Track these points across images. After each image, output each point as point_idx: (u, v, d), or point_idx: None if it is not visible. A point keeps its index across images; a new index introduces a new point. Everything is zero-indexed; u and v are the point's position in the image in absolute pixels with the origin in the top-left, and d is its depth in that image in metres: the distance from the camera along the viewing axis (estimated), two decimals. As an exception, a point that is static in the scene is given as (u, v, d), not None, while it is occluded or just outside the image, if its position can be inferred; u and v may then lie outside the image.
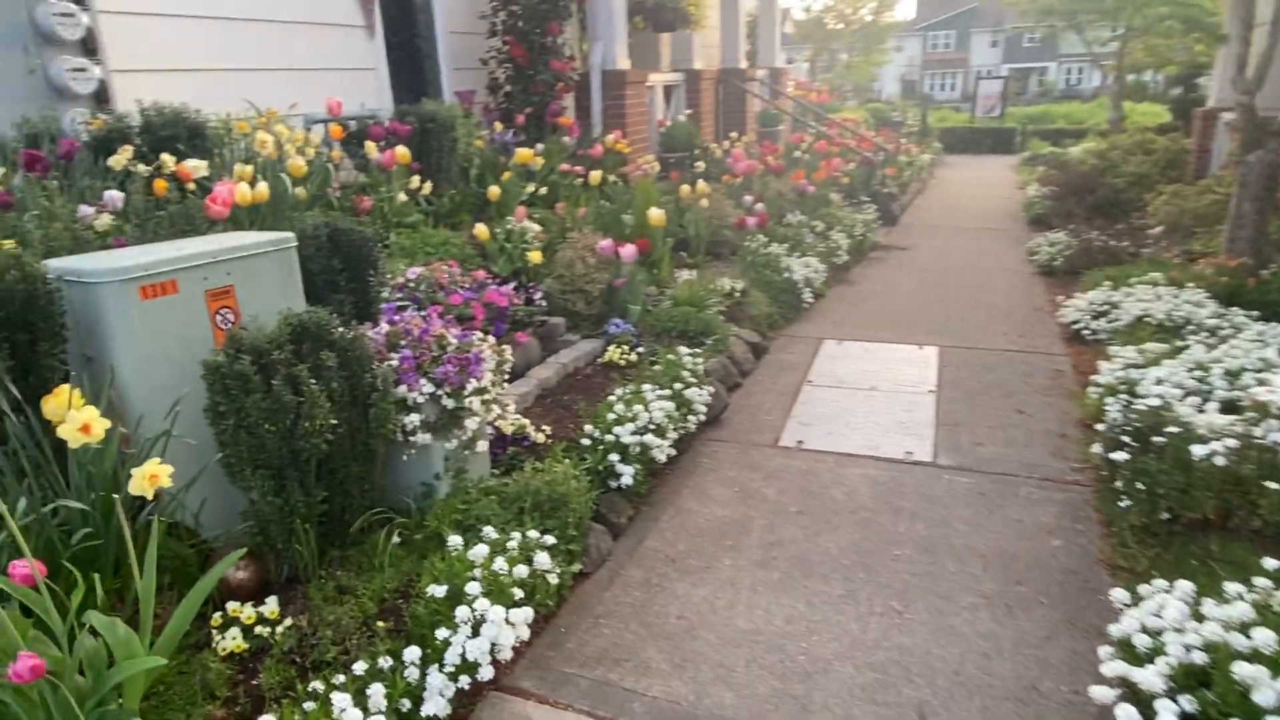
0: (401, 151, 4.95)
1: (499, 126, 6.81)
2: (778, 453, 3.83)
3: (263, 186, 3.86)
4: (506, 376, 3.10)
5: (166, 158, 3.79)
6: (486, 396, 2.80)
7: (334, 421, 2.35)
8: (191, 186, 4.01)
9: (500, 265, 5.17)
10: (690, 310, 4.76)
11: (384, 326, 2.79)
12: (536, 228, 5.68)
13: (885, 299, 6.44)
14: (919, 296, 6.47)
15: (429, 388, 2.66)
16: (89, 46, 4.37)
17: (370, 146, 4.88)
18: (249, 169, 4.10)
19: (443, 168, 5.92)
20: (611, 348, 4.38)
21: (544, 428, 3.50)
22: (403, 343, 2.73)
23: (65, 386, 2.10)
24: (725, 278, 5.63)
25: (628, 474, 3.21)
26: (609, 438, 3.29)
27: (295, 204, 4.39)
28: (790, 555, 2.98)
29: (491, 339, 2.94)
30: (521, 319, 4.13)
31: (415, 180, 5.21)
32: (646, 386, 3.66)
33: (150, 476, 1.86)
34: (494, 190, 5.43)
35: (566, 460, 3.15)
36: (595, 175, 6.26)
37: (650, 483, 3.43)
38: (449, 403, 2.70)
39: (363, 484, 2.60)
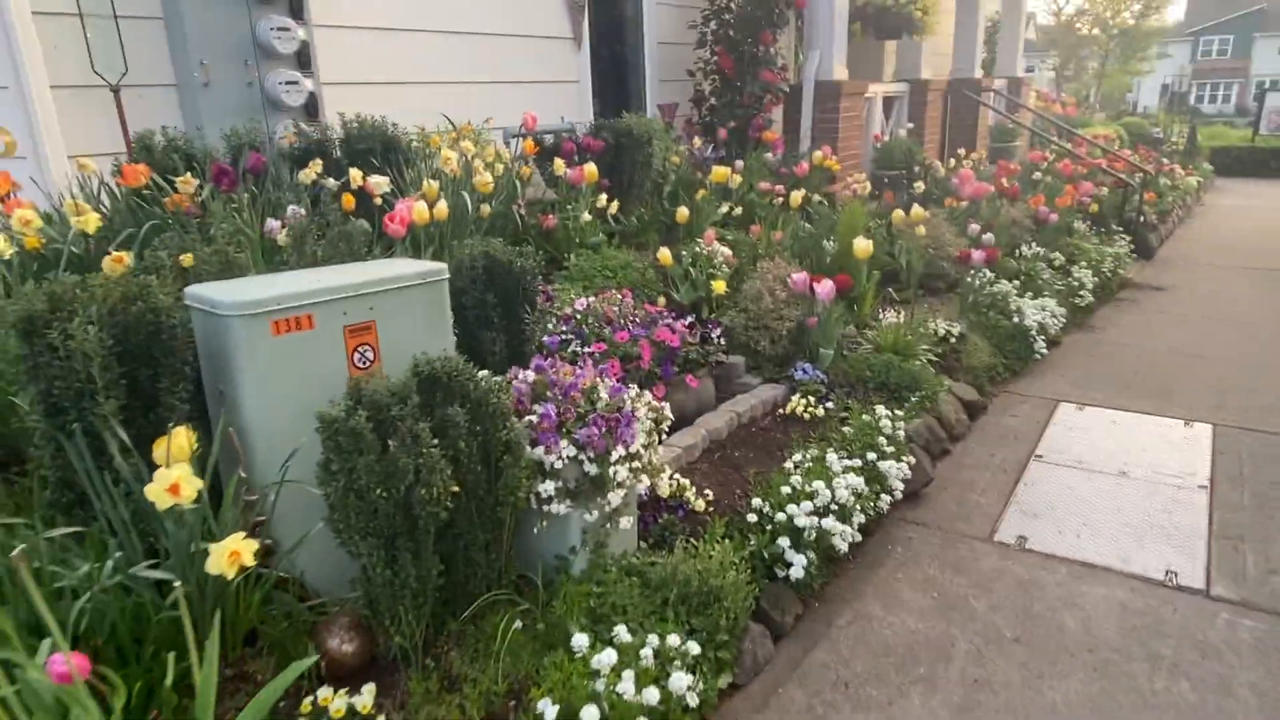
0: (589, 169, 4.71)
1: (697, 142, 6.44)
2: (992, 550, 3.14)
3: (441, 205, 3.72)
4: (664, 437, 2.69)
5: (354, 172, 3.75)
6: (636, 464, 2.40)
7: (455, 488, 2.04)
8: (379, 202, 3.97)
9: (683, 292, 4.79)
10: (893, 358, 4.12)
11: (531, 374, 2.47)
12: (726, 252, 5.24)
13: (1140, 354, 5.37)
14: (1184, 354, 5.34)
15: (570, 450, 2.30)
16: (302, 60, 4.48)
17: (558, 164, 4.67)
18: (434, 185, 4.00)
19: (634, 185, 5.64)
20: (795, 397, 3.84)
21: (706, 492, 3.05)
22: (548, 395, 2.40)
23: (182, 430, 1.94)
24: (939, 318, 4.89)
25: (799, 564, 2.68)
26: (780, 517, 2.78)
27: (477, 222, 4.25)
28: (1001, 705, 2.33)
29: (648, 395, 2.53)
30: (695, 359, 3.71)
31: (603, 199, 4.95)
32: (832, 455, 3.10)
33: (231, 554, 1.62)
34: (682, 212, 5.06)
35: (727, 540, 2.69)
36: (796, 196, 5.73)
37: (826, 573, 2.89)
38: (591, 469, 2.33)
39: (489, 553, 2.29)
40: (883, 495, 3.14)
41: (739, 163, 6.47)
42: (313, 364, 2.22)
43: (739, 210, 6.10)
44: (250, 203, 3.42)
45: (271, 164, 3.98)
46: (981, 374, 4.72)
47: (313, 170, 3.69)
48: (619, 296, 3.81)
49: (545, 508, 2.31)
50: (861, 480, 3.03)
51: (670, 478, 3.03)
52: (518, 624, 2.24)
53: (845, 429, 3.48)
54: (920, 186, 7.13)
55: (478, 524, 2.23)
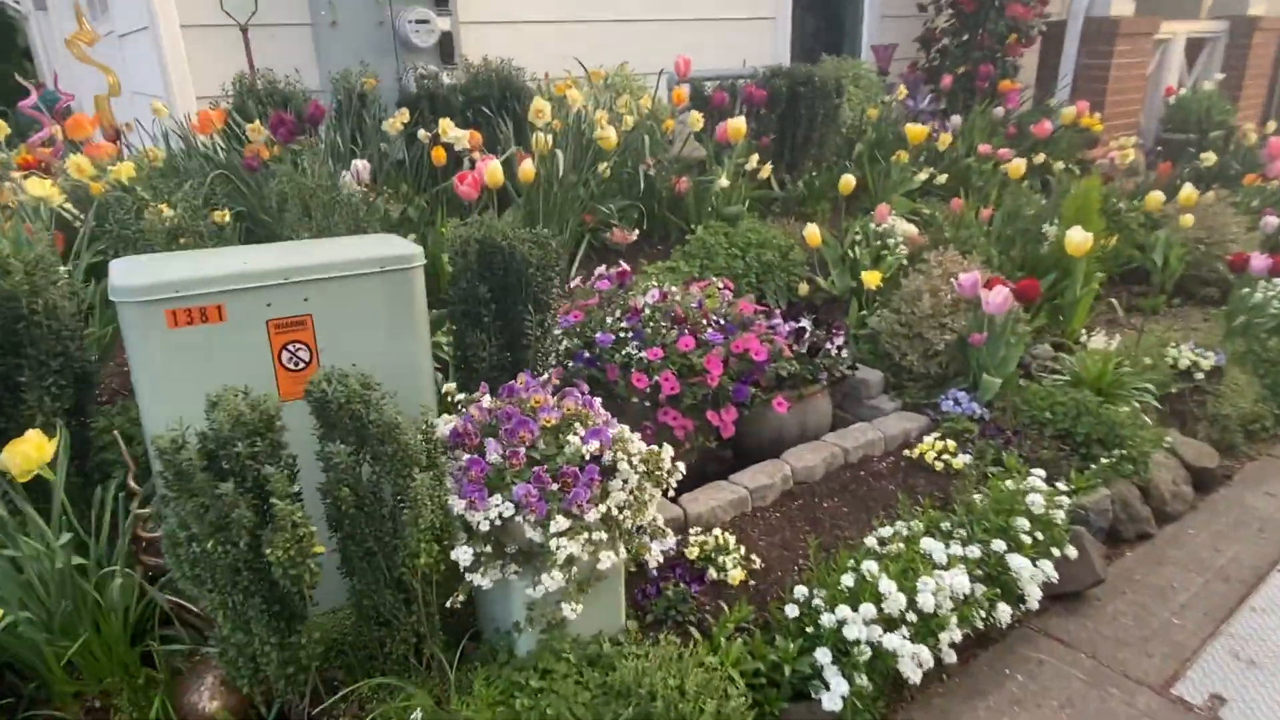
0: (733, 125, 3.97)
1: (902, 92, 5.37)
2: (1163, 708, 2.17)
3: (527, 164, 3.25)
4: (670, 491, 2.06)
5: (445, 123, 3.38)
6: (599, 534, 1.81)
7: (319, 550, 1.60)
8: (476, 156, 3.58)
9: (834, 280, 3.97)
10: (1089, 398, 3.05)
11: (487, 400, 1.95)
12: (909, 230, 4.30)
13: None
14: None
15: (505, 509, 1.77)
16: (439, -2, 4.16)
17: (693, 117, 3.99)
18: (546, 139, 3.53)
19: (811, 143, 4.80)
20: (932, 437, 2.97)
21: (753, 558, 2.37)
22: (503, 430, 1.87)
23: (33, 433, 1.68)
24: (1187, 343, 3.64)
25: (837, 691, 1.96)
26: (827, 620, 2.06)
27: (592, 183, 3.73)
28: None
29: (637, 443, 1.91)
30: (801, 375, 2.96)
31: (753, 160, 4.20)
32: (932, 542, 2.27)
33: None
34: (846, 179, 4.16)
35: (740, 639, 2.03)
36: (1017, 165, 4.54)
37: (887, 702, 2.12)
38: (534, 535, 1.78)
39: (409, 612, 1.84)
40: (1003, 606, 2.26)
41: (954, 119, 5.32)
42: (224, 365, 1.87)
43: (943, 179, 5.01)
44: (314, 153, 3.17)
45: (378, 110, 3.73)
46: (1234, 427, 3.45)
47: (399, 120, 3.37)
48: (717, 286, 3.13)
49: (469, 576, 1.80)
50: (968, 582, 2.19)
51: (710, 534, 2.39)
52: (416, 716, 1.78)
53: (978, 495, 2.58)
54: (1210, 158, 5.48)
55: (384, 585, 1.79)
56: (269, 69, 3.75)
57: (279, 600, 1.67)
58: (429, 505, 1.67)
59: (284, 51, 3.99)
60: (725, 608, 2.19)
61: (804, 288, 3.92)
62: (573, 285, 3.06)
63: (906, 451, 2.95)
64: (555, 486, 1.79)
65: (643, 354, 2.64)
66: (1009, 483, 2.57)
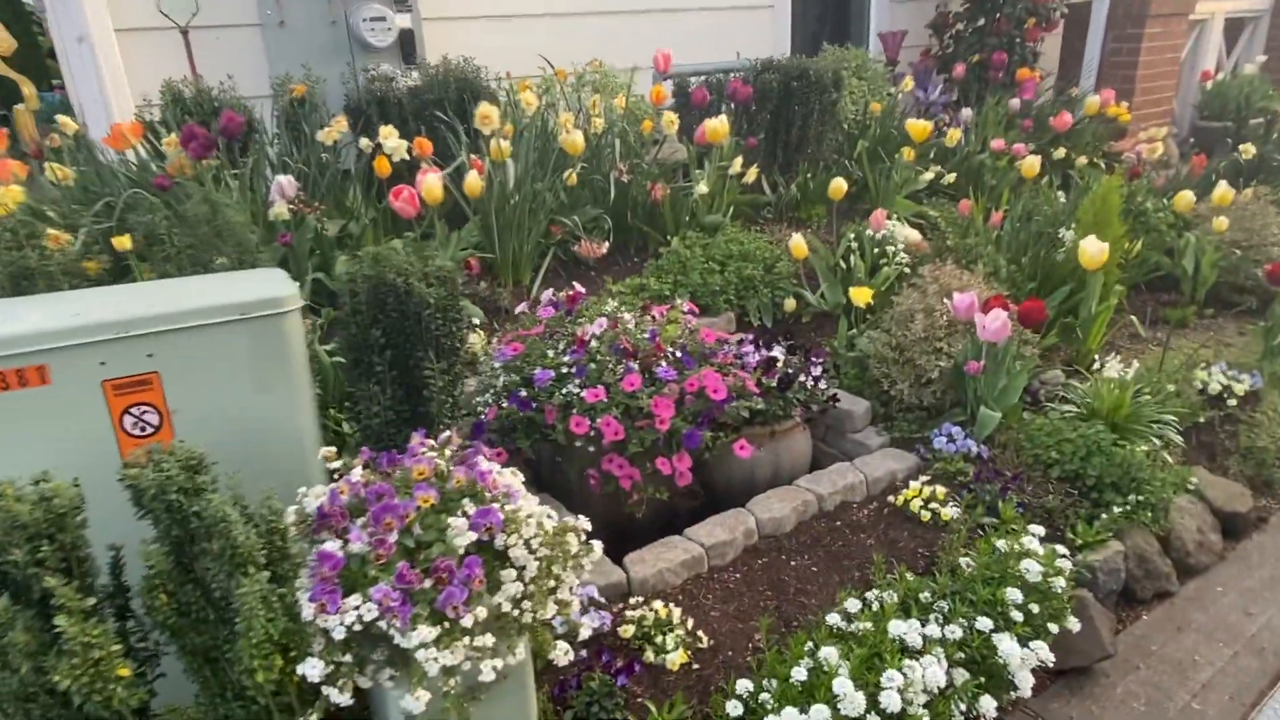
0: (711, 126, 3.63)
1: (907, 84, 4.97)
2: (1173, 831, 1.83)
3: (473, 177, 2.96)
4: (583, 570, 1.75)
5: (386, 130, 3.09)
6: (481, 640, 1.51)
7: (122, 672, 1.32)
8: (425, 163, 3.29)
9: (824, 295, 3.62)
10: (1101, 433, 2.69)
11: (358, 473, 1.65)
12: (913, 236, 3.94)
13: None
14: None
15: (367, 612, 1.48)
16: (395, -8, 3.87)
17: (667, 118, 3.65)
18: (505, 145, 3.24)
19: (806, 142, 4.44)
20: (919, 482, 2.62)
21: (700, 635, 2.07)
22: (371, 512, 1.57)
23: None
24: (1219, 364, 3.25)
25: (779, 815, 1.65)
26: (771, 724, 1.75)
27: (560, 192, 3.42)
28: None
29: (541, 522, 1.61)
30: (770, 412, 2.64)
31: (737, 163, 3.86)
32: (899, 629, 1.94)
33: None
34: (836, 184, 3.80)
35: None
36: (1030, 162, 4.14)
37: (846, 820, 1.81)
38: (403, 642, 1.49)
39: (267, 727, 1.57)
40: (987, 700, 1.93)
41: (965, 112, 4.91)
42: (51, 432, 1.60)
43: (951, 178, 4.63)
44: (236, 170, 2.89)
45: (325, 117, 3.46)
46: (1272, 461, 3.06)
47: (336, 129, 3.09)
48: (680, 310, 2.81)
49: (325, 690, 1.52)
50: (943, 674, 1.86)
51: (650, 606, 2.09)
52: None
53: (965, 558, 2.24)
54: (1248, 149, 5.01)
55: (230, 698, 1.51)
56: (223, 75, 3.48)
57: (89, 726, 1.40)
58: (261, 614, 1.39)
59: (231, 55, 3.72)
60: (651, 707, 1.88)
61: (791, 304, 3.58)
62: (519, 310, 2.76)
63: (892, 497, 2.61)
64: (428, 584, 1.50)
65: (584, 393, 2.33)
66: (1001, 542, 2.23)
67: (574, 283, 3.56)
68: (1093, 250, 3.06)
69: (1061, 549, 2.21)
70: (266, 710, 1.53)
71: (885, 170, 4.48)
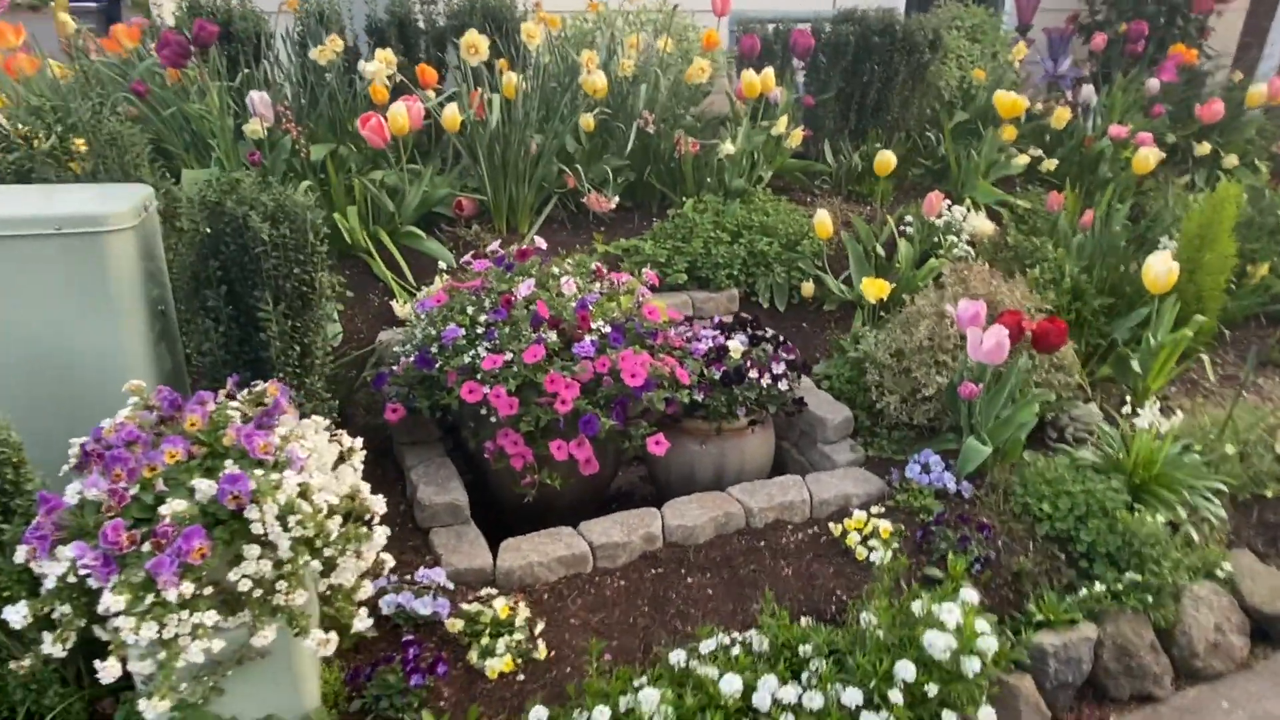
0: (749, 79, 3.25)
1: (1020, 50, 4.30)
2: None
3: (450, 110, 2.77)
4: (359, 553, 1.57)
5: (381, 54, 2.94)
6: (180, 618, 1.37)
7: None
8: (430, 95, 3.14)
9: (842, 282, 3.21)
10: (1114, 492, 2.21)
11: (108, 422, 1.53)
12: (984, 227, 3.43)
13: None
14: None
15: (62, 567, 1.36)
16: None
17: (697, 65, 3.28)
18: (512, 79, 3.04)
19: (885, 107, 3.94)
20: (866, 513, 2.26)
21: (539, 645, 1.85)
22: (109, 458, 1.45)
23: None
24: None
25: None
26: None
27: (545, 140, 3.18)
28: None
29: (312, 499, 1.43)
30: (713, 408, 2.33)
31: (782, 123, 3.45)
32: (732, 684, 1.64)
33: None
34: (883, 158, 3.31)
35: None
36: (1144, 155, 3.46)
37: None
38: (108, 603, 1.37)
39: None
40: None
41: (1085, 90, 4.21)
42: None
43: (1050, 165, 3.99)
44: (220, 81, 2.82)
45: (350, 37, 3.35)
46: (1358, 559, 2.44)
47: (331, 48, 2.96)
48: (637, 281, 2.53)
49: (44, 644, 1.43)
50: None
51: (491, 605, 1.89)
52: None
53: (870, 614, 1.89)
54: None
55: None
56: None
57: None
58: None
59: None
60: (444, 712, 1.70)
61: (808, 288, 3.19)
62: (465, 262, 2.57)
63: (835, 525, 2.26)
64: (146, 547, 1.36)
65: (486, 360, 2.13)
66: (919, 603, 1.86)
67: (581, 234, 3.36)
68: (1159, 269, 2.51)
69: (984, 625, 1.81)
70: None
71: (968, 149, 3.91)
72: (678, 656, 1.76)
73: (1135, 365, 2.70)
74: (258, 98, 2.70)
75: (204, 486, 1.42)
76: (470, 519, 2.20)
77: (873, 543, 2.16)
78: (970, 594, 1.90)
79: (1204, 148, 4.19)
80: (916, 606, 1.85)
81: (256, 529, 1.42)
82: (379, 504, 1.61)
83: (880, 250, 3.32)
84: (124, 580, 1.35)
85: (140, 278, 1.74)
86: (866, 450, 2.58)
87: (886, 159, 3.30)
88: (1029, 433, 2.45)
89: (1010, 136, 3.96)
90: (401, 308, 2.70)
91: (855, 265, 3.26)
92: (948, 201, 3.55)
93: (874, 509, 2.29)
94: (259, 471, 1.46)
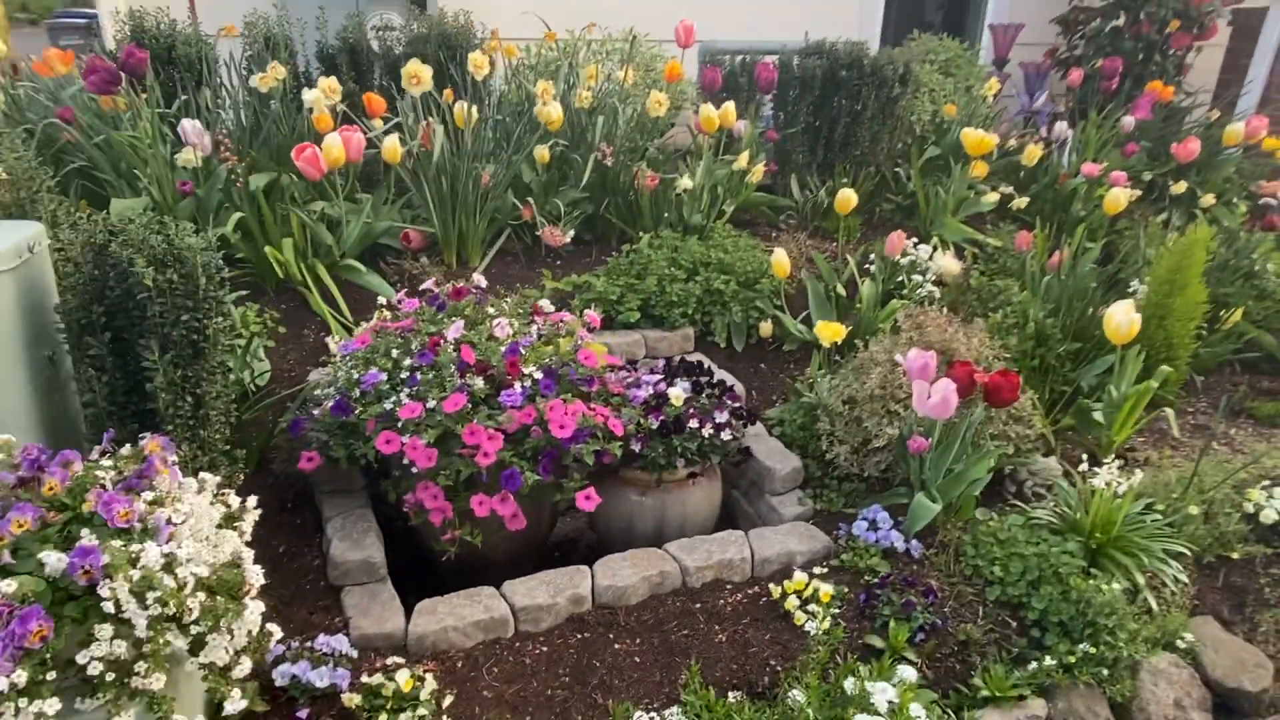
0: (708, 114, 3.16)
1: (992, 85, 4.24)
2: None
3: (390, 142, 2.68)
4: (230, 635, 1.44)
5: (324, 82, 2.85)
6: (18, 707, 1.24)
7: None
8: (379, 124, 3.05)
9: (799, 322, 3.11)
10: (1067, 559, 2.10)
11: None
12: (951, 267, 3.34)
13: None
14: None
15: (-91, 649, 1.24)
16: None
17: (654, 99, 3.19)
18: (471, 109, 2.95)
19: (852, 142, 3.86)
20: (816, 572, 2.14)
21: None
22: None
23: None
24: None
25: None
26: None
27: (496, 173, 3.09)
28: None
29: (176, 574, 1.31)
30: (651, 459, 2.22)
31: (742, 159, 3.36)
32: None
33: None
34: (844, 196, 3.22)
35: None
36: (1115, 195, 3.37)
37: None
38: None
39: None
40: None
41: (1059, 126, 4.14)
42: None
43: (1021, 202, 3.91)
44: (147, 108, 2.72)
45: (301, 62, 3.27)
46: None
47: (273, 75, 2.87)
48: (579, 323, 2.42)
49: None
50: None
51: (393, 676, 1.76)
52: None
53: (811, 710, 1.76)
54: None
55: None
56: (224, 7, 3.37)
57: None
58: None
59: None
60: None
61: (766, 327, 3.09)
62: (397, 300, 2.46)
63: (775, 586, 2.14)
64: (-19, 628, 1.24)
65: (402, 408, 2.01)
66: (851, 680, 1.73)
67: (536, 269, 3.26)
68: (1120, 319, 2.41)
69: (918, 709, 1.68)
70: None
71: (935, 186, 3.83)
72: (588, 739, 1.63)
73: (1098, 417, 2.60)
74: (189, 126, 2.61)
75: (52, 560, 1.31)
76: (386, 577, 2.07)
77: (812, 607, 2.03)
78: (908, 671, 1.79)
79: (1180, 186, 4.12)
80: (849, 684, 1.73)
81: (108, 607, 1.30)
82: (256, 575, 1.49)
83: (842, 289, 3.22)
84: (-51, 667, 1.22)
85: (19, 324, 1.63)
86: (815, 503, 2.47)
87: (847, 197, 3.21)
88: (985, 486, 2.34)
89: (981, 173, 3.89)
90: (336, 344, 2.59)
91: (815, 305, 3.16)
92: (914, 240, 3.47)
93: (817, 569, 2.17)
94: (117, 543, 1.35)
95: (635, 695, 1.85)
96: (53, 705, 1.27)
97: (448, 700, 1.79)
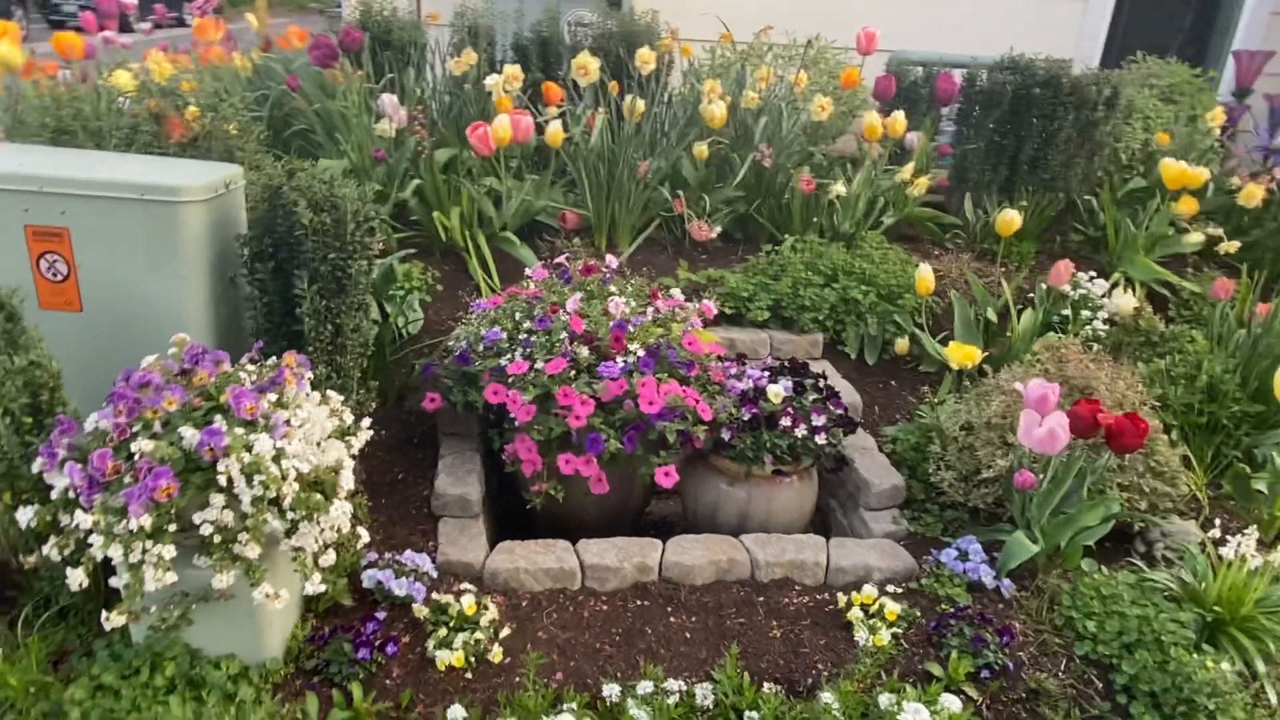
0: (871, 121, 3.11)
1: (1218, 115, 3.79)
2: None
3: (554, 128, 2.90)
4: (323, 525, 1.67)
5: (507, 69, 3.12)
6: (145, 547, 1.52)
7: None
8: (553, 111, 3.30)
9: (938, 342, 2.99)
10: (1175, 629, 1.90)
11: (149, 360, 1.73)
12: (1125, 306, 3.08)
13: None
14: None
15: (65, 481, 1.57)
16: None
17: (818, 103, 3.17)
18: (640, 102, 3.13)
19: (1041, 164, 3.63)
20: (883, 590, 2.08)
21: (495, 649, 1.87)
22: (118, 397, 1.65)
23: None
24: None
25: None
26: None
27: (653, 164, 3.22)
28: None
29: (283, 462, 1.56)
30: (739, 451, 2.24)
31: (906, 171, 3.27)
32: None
33: None
34: (1005, 218, 3.04)
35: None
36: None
37: None
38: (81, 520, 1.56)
39: None
40: None
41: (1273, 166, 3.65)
42: (-14, 254, 1.90)
43: (1231, 246, 3.49)
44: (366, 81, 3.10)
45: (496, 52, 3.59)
46: None
47: (465, 61, 3.18)
48: (691, 310, 2.49)
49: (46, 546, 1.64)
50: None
51: (460, 599, 1.94)
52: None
53: (838, 715, 1.74)
54: None
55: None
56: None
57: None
58: (-4, 451, 1.54)
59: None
60: (356, 690, 1.76)
61: (903, 344, 3.01)
62: (532, 271, 2.66)
63: (843, 595, 2.11)
64: (128, 479, 1.54)
65: (514, 361, 2.20)
66: (888, 696, 1.70)
67: (679, 260, 3.36)
68: (1292, 378, 2.13)
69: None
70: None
71: (1128, 220, 3.51)
72: (611, 691, 1.72)
73: (1260, 487, 2.30)
74: (387, 100, 2.96)
75: (188, 435, 1.58)
76: (479, 515, 2.26)
77: (874, 622, 1.99)
78: (952, 700, 1.71)
79: None
80: (884, 699, 1.69)
81: (222, 480, 1.56)
82: (348, 480, 1.71)
83: (994, 315, 3.06)
84: (102, 503, 1.53)
85: (209, 248, 1.96)
86: (911, 525, 2.39)
87: (1010, 218, 3.05)
88: (1105, 539, 2.16)
89: (1190, 210, 3.52)
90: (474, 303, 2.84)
91: (960, 328, 3.03)
92: (1092, 273, 3.22)
93: (892, 588, 2.11)
94: (239, 430, 1.61)
95: (677, 668, 1.91)
96: (170, 551, 1.54)
97: (505, 631, 1.94)
